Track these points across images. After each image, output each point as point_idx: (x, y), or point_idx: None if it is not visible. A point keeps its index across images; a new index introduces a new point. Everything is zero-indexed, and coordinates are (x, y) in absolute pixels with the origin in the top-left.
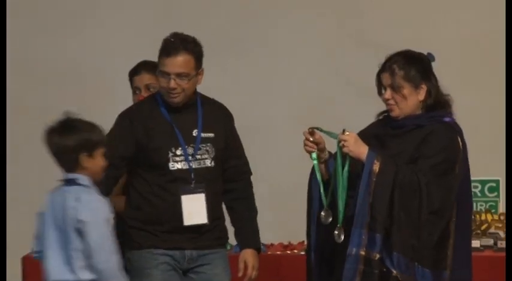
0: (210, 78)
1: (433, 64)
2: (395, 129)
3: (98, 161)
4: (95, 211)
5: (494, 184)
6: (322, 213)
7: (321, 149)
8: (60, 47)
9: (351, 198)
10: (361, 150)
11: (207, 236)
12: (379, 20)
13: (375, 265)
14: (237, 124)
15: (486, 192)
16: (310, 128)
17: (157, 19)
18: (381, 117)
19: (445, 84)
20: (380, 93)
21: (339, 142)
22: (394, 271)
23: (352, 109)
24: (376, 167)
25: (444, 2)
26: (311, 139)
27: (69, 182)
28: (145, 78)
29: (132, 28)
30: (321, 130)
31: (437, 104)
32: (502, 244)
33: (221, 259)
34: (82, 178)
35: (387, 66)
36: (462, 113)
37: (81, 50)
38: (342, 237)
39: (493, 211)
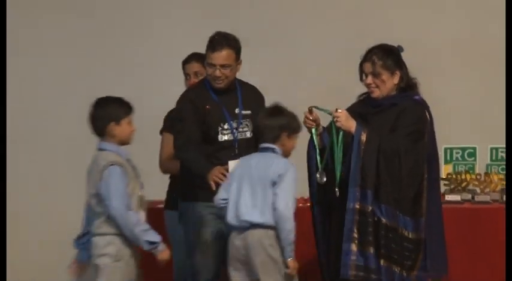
0: (245, 66)
1: (434, 59)
2: (375, 107)
3: (292, 142)
4: (286, 168)
5: (472, 150)
6: (317, 175)
7: (317, 125)
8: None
9: (343, 163)
10: (351, 124)
11: None
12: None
13: (368, 215)
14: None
15: (466, 157)
16: (309, 107)
17: (204, 18)
18: (361, 98)
19: (441, 73)
20: (361, 79)
21: (333, 118)
22: (383, 220)
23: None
24: (364, 137)
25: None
26: (310, 118)
27: (267, 149)
28: (194, 67)
29: (183, 27)
30: (318, 108)
31: (408, 86)
32: (478, 198)
33: None
34: (277, 149)
35: (368, 57)
36: (452, 97)
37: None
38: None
39: (471, 171)
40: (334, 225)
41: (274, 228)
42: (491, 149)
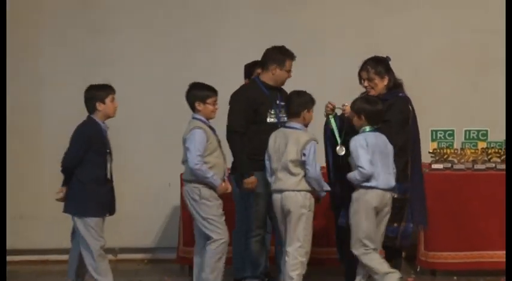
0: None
1: (426, 63)
2: None
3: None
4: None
5: (451, 132)
6: (338, 147)
7: (334, 112)
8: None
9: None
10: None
11: None
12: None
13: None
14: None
15: (447, 136)
16: (329, 102)
17: (258, 40)
18: (364, 95)
19: (430, 75)
20: (360, 83)
21: (343, 110)
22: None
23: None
24: None
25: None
26: (330, 107)
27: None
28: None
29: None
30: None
31: (395, 86)
32: (455, 166)
33: None
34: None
35: (364, 66)
36: (438, 93)
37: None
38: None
39: (450, 147)
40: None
41: None
42: (466, 131)
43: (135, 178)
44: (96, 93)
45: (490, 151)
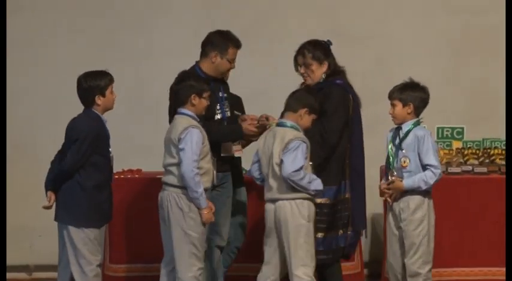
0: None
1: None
2: None
3: None
4: None
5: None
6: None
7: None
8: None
9: None
10: None
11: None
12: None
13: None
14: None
15: None
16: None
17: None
18: (303, 86)
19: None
20: (296, 70)
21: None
22: (319, 199)
23: None
24: None
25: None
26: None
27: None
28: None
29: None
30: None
31: (336, 73)
32: None
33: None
34: None
35: (300, 51)
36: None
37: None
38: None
39: None
40: None
41: None
42: (438, 128)
43: None
44: (95, 85)
45: (466, 152)
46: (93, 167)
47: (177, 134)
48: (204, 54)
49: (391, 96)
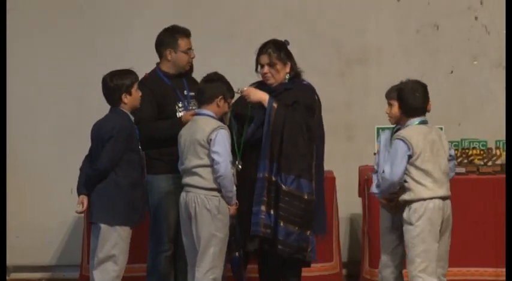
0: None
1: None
2: (270, 93)
3: None
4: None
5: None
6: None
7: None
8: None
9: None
10: (262, 96)
11: None
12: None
13: (273, 183)
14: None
15: None
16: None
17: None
18: (254, 86)
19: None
20: (257, 70)
21: (243, 95)
22: (283, 186)
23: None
24: (276, 105)
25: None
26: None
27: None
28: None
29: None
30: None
31: (296, 74)
32: None
33: None
34: None
35: (264, 50)
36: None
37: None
38: (240, 166)
39: None
40: (243, 194)
41: None
42: None
43: (32, 182)
44: (121, 83)
45: None
46: (128, 165)
47: (205, 135)
48: (160, 56)
49: (388, 96)
